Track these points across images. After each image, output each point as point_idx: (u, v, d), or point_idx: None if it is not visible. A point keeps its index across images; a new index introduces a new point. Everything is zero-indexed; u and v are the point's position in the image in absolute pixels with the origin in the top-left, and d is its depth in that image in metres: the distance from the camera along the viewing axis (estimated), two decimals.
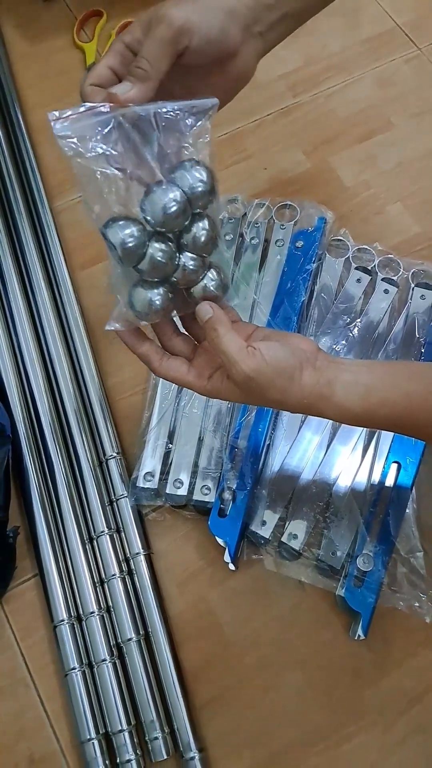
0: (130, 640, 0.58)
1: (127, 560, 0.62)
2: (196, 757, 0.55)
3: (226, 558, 0.61)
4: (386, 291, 0.72)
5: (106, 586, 0.61)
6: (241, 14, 0.48)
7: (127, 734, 0.55)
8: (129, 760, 0.54)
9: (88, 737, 0.55)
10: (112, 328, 0.49)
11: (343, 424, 0.65)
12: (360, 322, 0.70)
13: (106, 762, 0.55)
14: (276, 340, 0.47)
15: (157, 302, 0.46)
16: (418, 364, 0.48)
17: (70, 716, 0.57)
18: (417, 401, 0.45)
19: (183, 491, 0.63)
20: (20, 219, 0.77)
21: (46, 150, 0.84)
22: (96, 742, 0.55)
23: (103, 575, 0.61)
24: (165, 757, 0.55)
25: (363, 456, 0.65)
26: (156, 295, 0.46)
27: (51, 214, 0.78)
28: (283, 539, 0.62)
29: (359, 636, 0.59)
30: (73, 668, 0.56)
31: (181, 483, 0.63)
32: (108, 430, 0.67)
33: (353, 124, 0.86)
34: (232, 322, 0.47)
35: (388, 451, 0.64)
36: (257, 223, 0.76)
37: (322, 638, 0.61)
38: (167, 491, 0.63)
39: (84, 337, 0.71)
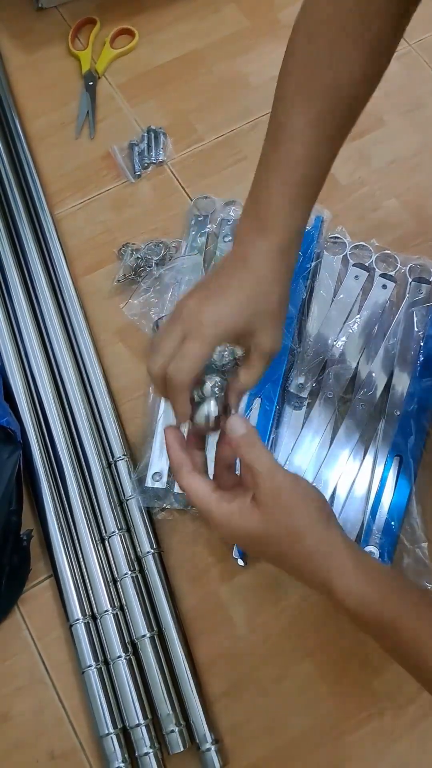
0: (143, 636, 0.60)
1: (138, 559, 0.64)
2: (213, 749, 0.56)
3: (235, 554, 0.62)
4: (384, 286, 0.73)
5: (118, 584, 0.62)
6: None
7: (144, 728, 0.56)
8: (147, 753, 0.56)
9: (107, 732, 0.56)
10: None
11: (341, 427, 0.67)
12: (359, 317, 0.71)
13: (125, 755, 0.56)
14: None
15: (214, 413, 0.48)
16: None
17: (88, 712, 0.59)
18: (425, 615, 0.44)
19: None
20: (22, 228, 0.78)
21: (45, 159, 0.85)
22: (114, 737, 0.56)
23: (116, 574, 0.63)
24: (182, 749, 0.56)
25: (365, 450, 0.66)
26: (214, 408, 0.48)
27: (52, 222, 0.79)
28: None
29: None
30: (90, 665, 0.58)
31: None
32: (115, 433, 0.69)
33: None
34: None
35: (390, 446, 0.65)
36: None
37: (330, 629, 0.62)
38: (175, 491, 0.65)
39: (89, 341, 0.73)
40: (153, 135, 0.85)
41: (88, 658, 0.58)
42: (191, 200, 0.81)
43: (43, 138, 0.87)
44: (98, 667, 0.58)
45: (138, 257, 0.75)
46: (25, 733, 0.59)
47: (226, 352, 0.68)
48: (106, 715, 0.57)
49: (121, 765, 0.55)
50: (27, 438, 0.66)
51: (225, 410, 0.49)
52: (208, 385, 0.48)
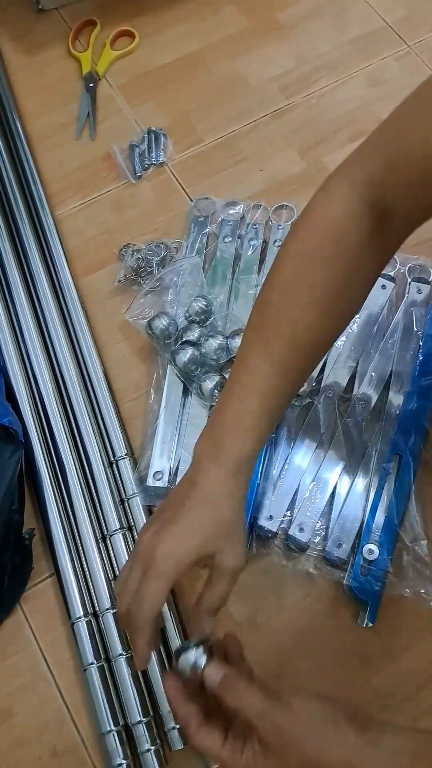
0: None
1: None
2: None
3: None
4: (383, 287, 0.74)
5: None
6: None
7: (144, 726, 0.57)
8: (148, 750, 0.56)
9: (108, 729, 0.57)
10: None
11: (341, 426, 0.67)
12: (359, 317, 0.71)
13: (126, 752, 0.56)
14: (306, 693, 0.45)
15: (201, 666, 0.46)
16: None
17: (89, 709, 0.59)
18: None
19: None
20: (23, 228, 0.79)
21: (45, 160, 0.86)
22: (115, 734, 0.57)
23: (117, 572, 0.63)
24: (183, 745, 0.57)
25: (365, 449, 0.66)
26: (201, 660, 0.46)
27: (53, 223, 0.80)
28: (290, 532, 0.64)
29: (367, 624, 0.61)
30: (91, 663, 0.58)
31: None
32: (116, 432, 0.69)
33: (346, 123, 0.88)
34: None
35: (391, 444, 0.66)
36: (255, 225, 0.77)
37: (331, 626, 0.63)
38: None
39: (90, 341, 0.73)
40: (153, 136, 0.86)
41: (90, 656, 0.58)
42: (191, 201, 0.81)
43: (44, 139, 0.88)
44: (100, 664, 0.58)
45: (139, 258, 0.75)
46: (27, 730, 0.60)
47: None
48: (107, 712, 0.57)
49: (122, 762, 0.55)
50: (29, 437, 0.67)
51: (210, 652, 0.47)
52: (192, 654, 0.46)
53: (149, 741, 0.56)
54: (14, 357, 0.72)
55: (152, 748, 0.56)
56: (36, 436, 0.67)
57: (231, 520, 0.48)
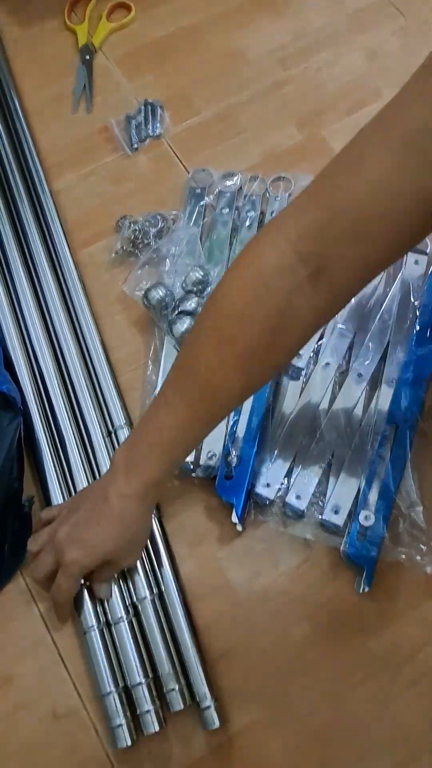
0: (144, 598, 0.61)
1: None
2: (212, 707, 0.58)
3: (234, 518, 0.63)
4: None
5: None
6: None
7: (144, 687, 0.57)
8: (148, 711, 0.57)
9: (108, 691, 0.57)
10: None
11: (339, 396, 0.68)
12: None
13: (127, 713, 0.57)
14: None
15: None
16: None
17: (90, 673, 0.60)
18: None
19: (189, 458, 0.65)
20: (21, 201, 0.79)
21: (42, 133, 0.85)
22: (115, 695, 0.57)
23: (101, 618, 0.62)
24: (182, 707, 0.58)
25: (362, 417, 0.67)
26: None
27: (50, 196, 0.80)
28: (288, 500, 0.64)
29: (364, 589, 0.62)
30: (92, 626, 0.59)
31: None
32: (115, 403, 0.70)
33: (343, 95, 0.88)
34: None
35: (387, 413, 0.66)
36: (253, 196, 0.77)
37: (328, 592, 0.64)
38: None
39: (88, 313, 0.73)
40: (150, 108, 0.85)
41: (90, 619, 0.59)
42: (189, 173, 0.81)
43: (40, 112, 0.87)
44: (100, 628, 0.59)
45: (136, 229, 0.75)
46: (28, 694, 0.60)
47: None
48: (107, 674, 0.58)
49: (122, 722, 0.56)
50: (27, 406, 0.67)
51: None
52: None
53: (148, 702, 0.57)
54: (12, 328, 0.72)
55: (151, 708, 0.57)
56: (35, 406, 0.67)
57: (131, 536, 0.57)
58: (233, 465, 0.64)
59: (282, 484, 0.65)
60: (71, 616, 0.61)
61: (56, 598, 0.57)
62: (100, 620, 0.60)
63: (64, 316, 0.73)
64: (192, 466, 0.66)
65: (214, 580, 0.64)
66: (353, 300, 0.71)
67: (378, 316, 0.71)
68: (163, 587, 0.62)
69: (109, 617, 0.60)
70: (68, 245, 0.77)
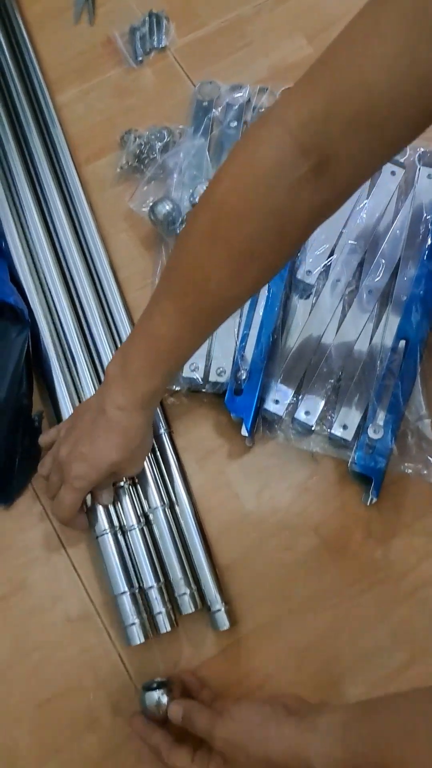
0: (156, 508, 0.62)
1: None
2: (222, 609, 0.59)
3: (243, 432, 0.64)
4: (393, 173, 0.72)
5: None
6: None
7: (156, 590, 0.59)
8: (159, 613, 0.58)
9: (122, 590, 0.58)
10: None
11: (348, 314, 0.67)
12: (367, 203, 0.70)
13: (141, 613, 0.58)
14: (249, 699, 0.54)
15: (164, 703, 0.54)
16: (403, 694, 0.46)
17: (102, 578, 0.61)
18: (399, 735, 0.43)
19: (199, 373, 0.65)
20: (24, 116, 0.76)
21: (44, 46, 0.82)
22: (129, 596, 0.58)
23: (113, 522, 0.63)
24: (192, 610, 0.59)
25: (373, 333, 0.66)
26: (163, 697, 0.54)
27: (54, 110, 0.77)
28: (296, 416, 0.65)
29: (371, 500, 0.63)
30: (104, 530, 0.60)
31: (197, 366, 0.66)
32: (123, 321, 0.69)
33: (354, 6, 0.83)
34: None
35: (397, 328, 0.66)
36: (261, 109, 0.75)
37: (335, 504, 0.65)
38: (183, 375, 0.65)
39: (94, 231, 0.72)
40: (155, 19, 0.82)
41: (103, 524, 0.60)
42: (195, 86, 0.79)
43: (42, 25, 0.84)
44: (113, 532, 0.60)
45: (141, 143, 0.73)
46: (42, 599, 0.62)
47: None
48: (121, 575, 0.59)
49: (135, 621, 0.58)
50: (36, 321, 0.66)
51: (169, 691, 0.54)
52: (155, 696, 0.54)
53: (160, 604, 0.59)
54: (19, 246, 0.71)
55: (163, 610, 0.58)
56: (43, 320, 0.67)
57: (135, 447, 0.56)
58: (243, 381, 0.64)
59: (291, 400, 0.65)
60: (85, 529, 0.61)
61: (59, 514, 0.57)
62: (113, 525, 0.60)
63: (71, 234, 0.72)
64: (202, 382, 0.66)
65: (224, 493, 0.65)
66: (365, 216, 0.70)
67: (389, 232, 0.70)
68: (174, 498, 0.63)
69: (123, 524, 0.61)
70: (73, 161, 0.75)
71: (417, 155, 0.73)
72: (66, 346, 0.67)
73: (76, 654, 0.61)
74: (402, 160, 0.73)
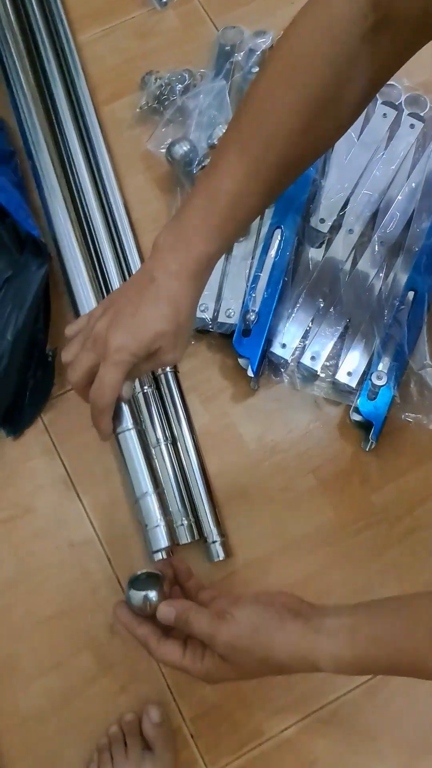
0: (158, 443, 0.63)
1: (155, 379, 0.67)
2: (218, 541, 0.61)
3: (249, 373, 0.65)
4: (412, 126, 0.72)
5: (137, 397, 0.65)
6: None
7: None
8: (156, 526, 0.58)
9: (145, 491, 0.57)
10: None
11: (360, 263, 0.67)
12: (384, 155, 0.70)
13: (167, 515, 0.57)
14: (249, 599, 0.48)
15: (153, 599, 0.50)
16: (405, 597, 0.46)
17: (106, 509, 0.64)
18: (404, 634, 0.43)
19: (208, 314, 0.67)
20: (45, 54, 0.76)
21: None
22: (154, 495, 0.57)
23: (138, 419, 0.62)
24: (189, 540, 0.61)
25: (383, 283, 0.67)
26: (151, 593, 0.50)
27: (75, 49, 0.77)
28: (302, 360, 0.66)
29: (371, 444, 0.64)
30: (129, 427, 0.56)
31: (206, 307, 0.67)
32: (136, 263, 0.70)
33: None
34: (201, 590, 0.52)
35: (407, 279, 0.66)
36: None
37: (335, 449, 0.66)
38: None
39: (110, 171, 0.73)
40: None
41: (126, 420, 0.56)
42: (218, 31, 0.78)
43: None
44: (137, 429, 0.57)
45: (161, 85, 0.73)
46: (46, 524, 0.64)
47: None
48: (145, 475, 0.57)
49: (160, 523, 0.56)
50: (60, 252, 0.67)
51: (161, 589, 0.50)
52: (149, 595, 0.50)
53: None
54: (33, 183, 0.71)
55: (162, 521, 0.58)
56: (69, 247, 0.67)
57: (182, 321, 0.49)
58: (251, 322, 0.65)
59: (298, 345, 0.66)
60: (110, 437, 0.53)
61: (98, 397, 0.49)
62: (137, 422, 0.57)
63: (87, 172, 0.72)
64: (210, 323, 0.67)
65: (227, 433, 0.67)
66: (381, 165, 0.70)
67: (405, 185, 0.70)
68: (177, 435, 0.64)
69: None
70: (92, 101, 0.75)
71: None
72: (76, 284, 0.67)
73: (77, 577, 0.63)
74: (422, 114, 0.73)
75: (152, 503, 0.56)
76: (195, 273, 0.49)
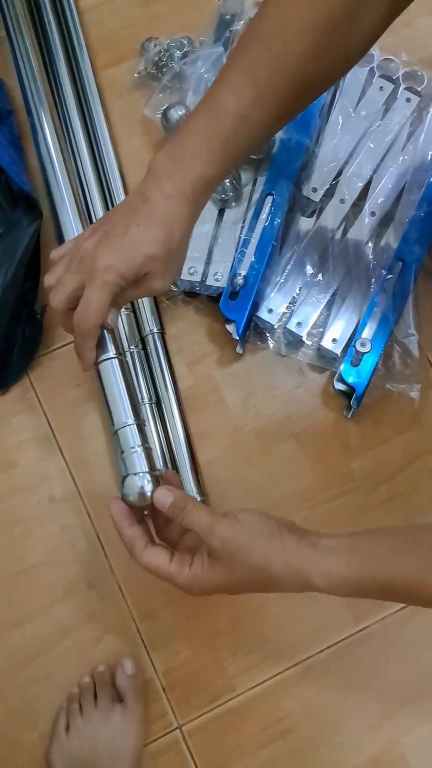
0: (143, 403, 0.64)
1: (142, 340, 0.67)
2: (199, 500, 0.61)
3: (234, 335, 0.65)
4: (408, 100, 0.72)
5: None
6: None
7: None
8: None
9: (125, 423, 0.52)
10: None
11: (350, 232, 0.67)
12: (379, 126, 0.71)
13: (146, 443, 0.52)
14: (253, 509, 0.47)
15: (148, 488, 0.48)
16: (407, 526, 0.46)
17: (88, 466, 0.64)
18: (405, 553, 0.43)
19: (196, 277, 0.67)
20: (46, 17, 0.76)
21: None
22: (134, 427, 0.52)
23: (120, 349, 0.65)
24: None
25: (372, 252, 0.67)
26: (147, 482, 0.48)
27: (77, 13, 0.77)
28: (288, 326, 0.66)
29: (353, 410, 0.64)
30: (111, 356, 0.53)
31: (195, 270, 0.67)
32: None
33: None
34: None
35: (396, 249, 0.67)
36: None
37: (317, 416, 0.67)
38: (181, 277, 0.67)
39: (106, 134, 0.73)
40: None
41: (109, 348, 0.53)
42: (219, 0, 0.78)
43: None
44: (119, 359, 0.53)
45: (161, 51, 0.74)
46: (28, 479, 0.65)
47: None
48: (126, 404, 0.52)
49: (138, 450, 0.51)
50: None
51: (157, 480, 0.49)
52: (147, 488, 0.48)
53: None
54: (29, 139, 0.72)
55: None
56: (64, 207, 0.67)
57: (175, 247, 0.47)
58: (239, 285, 0.66)
59: (285, 310, 0.67)
60: (92, 367, 0.51)
61: (82, 321, 0.47)
62: (120, 351, 0.54)
63: (83, 136, 0.72)
64: (198, 286, 0.67)
65: (211, 397, 0.67)
66: (376, 137, 0.70)
67: (400, 157, 0.70)
68: (161, 396, 0.65)
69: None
70: (91, 65, 0.75)
71: None
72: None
73: (57, 531, 0.64)
74: (419, 89, 0.73)
75: (132, 433, 0.51)
76: (191, 197, 0.46)
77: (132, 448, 0.50)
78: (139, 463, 0.50)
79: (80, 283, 0.47)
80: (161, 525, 0.51)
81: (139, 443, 0.51)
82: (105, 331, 0.51)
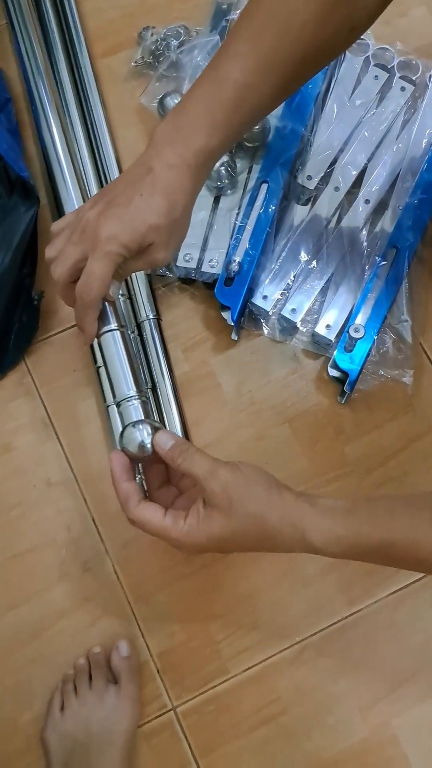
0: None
1: (138, 326, 0.68)
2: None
3: (229, 321, 0.66)
4: (403, 89, 0.73)
5: None
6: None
7: None
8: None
9: (127, 395, 0.52)
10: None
11: (344, 220, 0.67)
12: (374, 115, 0.71)
13: (150, 415, 0.52)
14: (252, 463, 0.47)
15: (147, 439, 0.47)
16: (399, 494, 0.47)
17: (84, 450, 0.65)
18: (403, 512, 0.44)
19: (192, 264, 0.67)
20: (44, 6, 0.77)
21: None
22: (137, 400, 0.52)
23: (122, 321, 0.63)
24: None
25: (366, 239, 0.68)
26: (147, 434, 0.47)
27: (75, 2, 0.78)
28: (283, 312, 0.67)
29: (347, 395, 0.65)
30: (113, 327, 0.52)
31: (191, 257, 0.68)
32: None
33: None
34: None
35: (389, 236, 0.67)
36: None
37: (311, 402, 0.67)
38: (176, 264, 0.68)
39: (103, 123, 0.73)
40: None
41: (111, 320, 0.52)
42: None
43: None
44: (121, 331, 0.53)
45: (158, 40, 0.74)
46: (25, 463, 0.66)
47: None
48: (128, 376, 0.52)
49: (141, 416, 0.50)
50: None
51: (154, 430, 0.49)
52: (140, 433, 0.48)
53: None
54: (27, 127, 0.72)
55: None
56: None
57: (178, 217, 0.47)
58: (234, 272, 0.66)
59: (279, 297, 0.67)
60: (93, 339, 0.51)
61: (84, 292, 0.46)
62: (122, 324, 0.53)
63: (80, 124, 0.73)
64: (194, 272, 0.68)
65: (205, 382, 0.68)
66: (370, 126, 0.71)
67: (394, 145, 0.70)
68: (157, 381, 0.66)
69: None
70: (89, 54, 0.76)
71: (429, 74, 0.73)
72: None
73: (53, 514, 0.64)
74: (414, 78, 0.73)
75: (135, 407, 0.50)
76: (194, 167, 0.46)
77: (127, 399, 0.50)
78: (136, 413, 0.49)
79: (82, 254, 0.46)
80: (155, 486, 0.51)
81: (136, 395, 0.50)
82: (107, 304, 0.51)
